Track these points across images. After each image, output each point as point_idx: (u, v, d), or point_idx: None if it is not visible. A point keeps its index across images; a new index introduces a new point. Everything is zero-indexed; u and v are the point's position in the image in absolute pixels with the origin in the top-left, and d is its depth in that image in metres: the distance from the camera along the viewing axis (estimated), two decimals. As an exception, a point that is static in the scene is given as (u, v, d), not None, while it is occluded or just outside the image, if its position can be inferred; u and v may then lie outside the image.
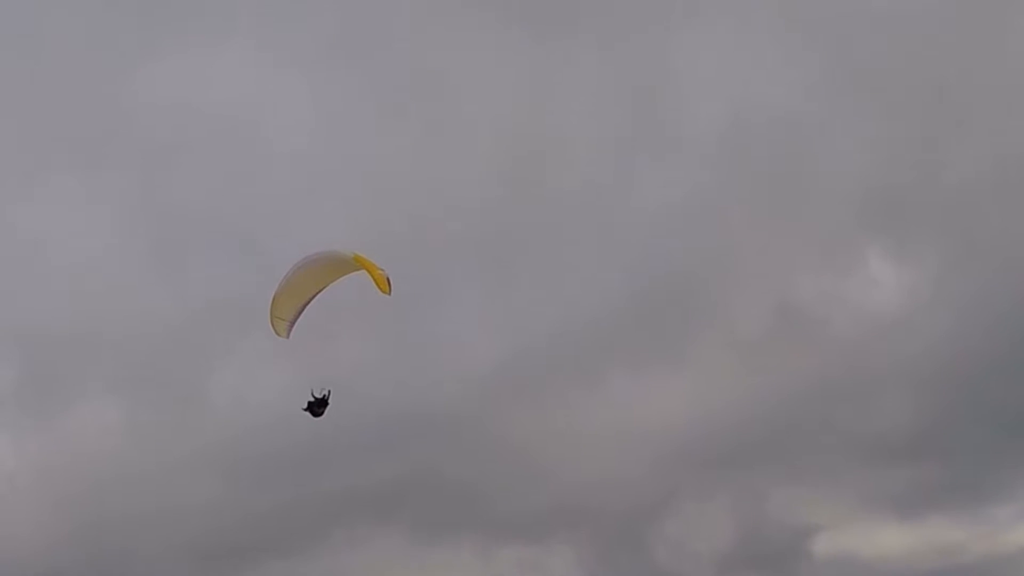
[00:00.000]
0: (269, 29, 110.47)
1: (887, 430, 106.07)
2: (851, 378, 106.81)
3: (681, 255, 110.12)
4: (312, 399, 31.07)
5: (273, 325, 29.27)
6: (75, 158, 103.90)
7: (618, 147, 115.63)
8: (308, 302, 28.98)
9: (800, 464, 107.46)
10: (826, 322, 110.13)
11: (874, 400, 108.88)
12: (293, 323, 28.97)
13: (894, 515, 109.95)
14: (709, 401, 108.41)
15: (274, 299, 28.99)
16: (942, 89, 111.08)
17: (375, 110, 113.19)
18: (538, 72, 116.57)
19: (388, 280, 27.19)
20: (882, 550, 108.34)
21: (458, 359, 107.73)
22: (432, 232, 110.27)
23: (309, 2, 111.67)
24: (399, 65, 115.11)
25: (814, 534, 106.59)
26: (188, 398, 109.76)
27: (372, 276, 27.04)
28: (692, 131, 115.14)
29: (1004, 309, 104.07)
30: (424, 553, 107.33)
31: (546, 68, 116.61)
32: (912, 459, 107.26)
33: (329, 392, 30.83)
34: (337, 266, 28.31)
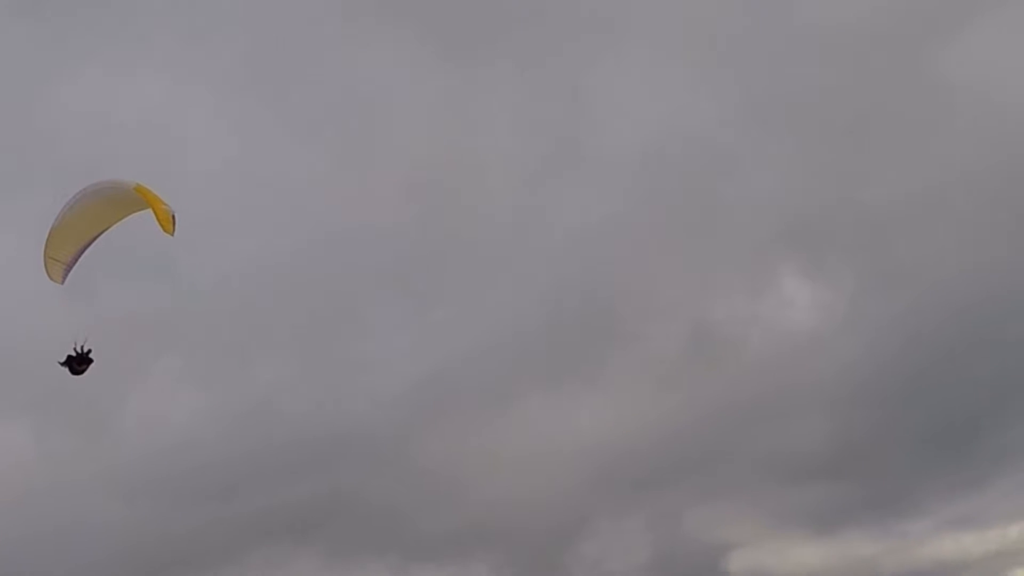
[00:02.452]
0: (185, 48, 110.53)
1: (802, 448, 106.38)
2: (766, 397, 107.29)
3: (598, 277, 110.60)
4: (72, 354, 27.88)
5: (47, 268, 25.91)
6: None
7: (536, 171, 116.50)
8: (89, 244, 26.78)
9: (715, 482, 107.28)
10: (742, 342, 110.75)
11: (789, 419, 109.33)
12: (70, 267, 26.32)
13: (809, 531, 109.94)
14: (626, 421, 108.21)
15: (49, 237, 25.63)
16: (857, 116, 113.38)
17: (291, 130, 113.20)
18: (456, 95, 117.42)
19: (173, 218, 24.18)
20: (797, 566, 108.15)
21: (375, 380, 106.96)
22: (348, 253, 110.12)
23: (227, 21, 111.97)
24: (316, 86, 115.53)
25: (730, 551, 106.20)
26: (100, 418, 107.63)
27: (155, 213, 24.08)
28: (610, 156, 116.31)
29: (916, 330, 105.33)
30: (341, 574, 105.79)
31: (465, 91, 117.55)
32: (826, 476, 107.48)
33: (90, 350, 28.73)
34: (120, 202, 24.85)
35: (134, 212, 26.58)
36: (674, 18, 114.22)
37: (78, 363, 28.19)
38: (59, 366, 28.28)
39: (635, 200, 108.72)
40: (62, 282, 26.77)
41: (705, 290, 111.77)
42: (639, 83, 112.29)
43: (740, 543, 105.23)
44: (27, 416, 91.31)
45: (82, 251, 27.00)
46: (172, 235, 25.27)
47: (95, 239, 27.24)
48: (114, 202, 26.33)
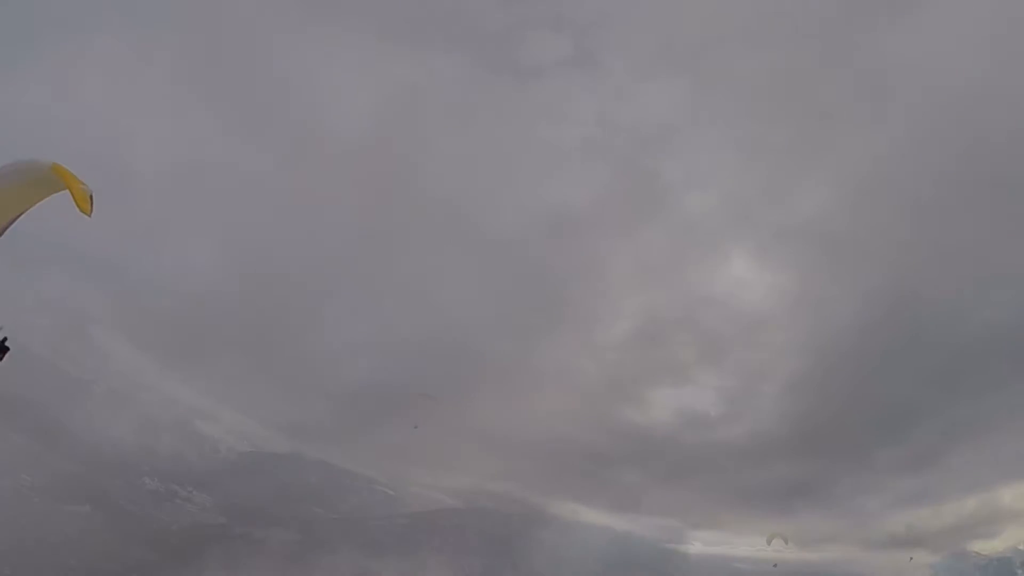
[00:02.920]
0: (131, 47, 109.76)
1: (759, 430, 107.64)
2: (719, 379, 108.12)
3: (549, 263, 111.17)
4: None
5: (-37, 251, 26.68)
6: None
7: (485, 158, 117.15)
8: (7, 226, 26.90)
9: (674, 465, 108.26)
10: (693, 325, 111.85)
11: (745, 401, 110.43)
12: (-11, 249, 26.76)
13: (766, 510, 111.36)
14: (582, 406, 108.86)
15: None
16: (805, 101, 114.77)
17: (240, 127, 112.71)
18: (405, 84, 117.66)
19: (91, 198, 24.10)
20: (755, 546, 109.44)
21: (329, 374, 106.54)
22: (299, 248, 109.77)
23: (172, 19, 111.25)
24: (262, 80, 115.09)
25: (689, 532, 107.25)
26: (52, 422, 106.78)
27: (72, 193, 24.81)
28: (558, 141, 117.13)
29: (870, 312, 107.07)
30: (301, 572, 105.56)
31: (413, 80, 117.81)
32: (784, 456, 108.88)
33: (5, 338, 28.21)
34: (36, 183, 25.57)
35: (51, 193, 26.34)
36: (621, 7, 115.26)
37: None
38: None
39: (586, 186, 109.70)
40: (-19, 266, 26.53)
41: (658, 274, 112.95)
42: (591, 70, 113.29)
43: (699, 523, 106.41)
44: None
45: (0, 233, 26.66)
46: (89, 215, 25.15)
47: (13, 221, 26.92)
48: (31, 183, 26.07)
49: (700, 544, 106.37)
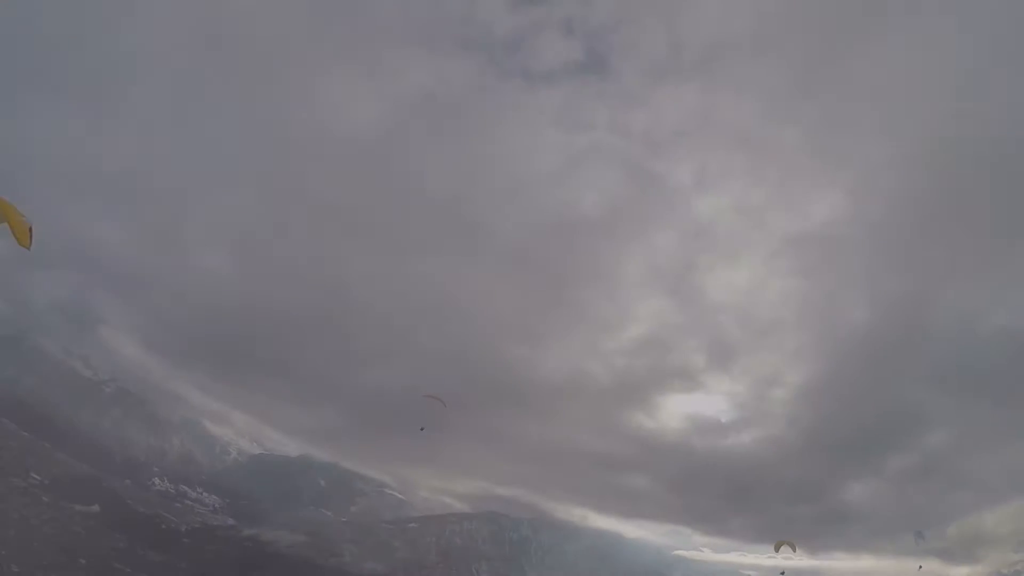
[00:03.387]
0: (149, 55, 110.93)
1: (766, 436, 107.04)
2: (729, 385, 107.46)
3: (560, 268, 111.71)
4: None
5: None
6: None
7: (497, 164, 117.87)
8: None
9: (682, 471, 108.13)
10: (703, 330, 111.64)
11: (752, 406, 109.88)
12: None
13: (774, 517, 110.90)
14: (591, 411, 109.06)
15: None
16: (815, 106, 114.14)
17: (257, 136, 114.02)
18: (417, 90, 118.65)
19: (31, 232, 25.23)
20: (764, 553, 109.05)
21: (340, 379, 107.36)
22: (313, 256, 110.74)
23: (189, 33, 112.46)
24: (278, 88, 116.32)
25: (697, 539, 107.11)
26: (63, 422, 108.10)
27: (11, 226, 25.00)
28: (569, 146, 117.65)
29: (877, 318, 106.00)
30: (310, 574, 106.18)
31: (425, 86, 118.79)
32: (790, 462, 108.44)
33: None
34: None
35: (-5, 226, 26.21)
36: (631, 13, 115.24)
37: None
38: None
39: (596, 191, 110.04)
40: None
41: (668, 278, 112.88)
42: (596, 75, 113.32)
43: (708, 530, 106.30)
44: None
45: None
46: (29, 248, 25.10)
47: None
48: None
49: (709, 550, 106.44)
